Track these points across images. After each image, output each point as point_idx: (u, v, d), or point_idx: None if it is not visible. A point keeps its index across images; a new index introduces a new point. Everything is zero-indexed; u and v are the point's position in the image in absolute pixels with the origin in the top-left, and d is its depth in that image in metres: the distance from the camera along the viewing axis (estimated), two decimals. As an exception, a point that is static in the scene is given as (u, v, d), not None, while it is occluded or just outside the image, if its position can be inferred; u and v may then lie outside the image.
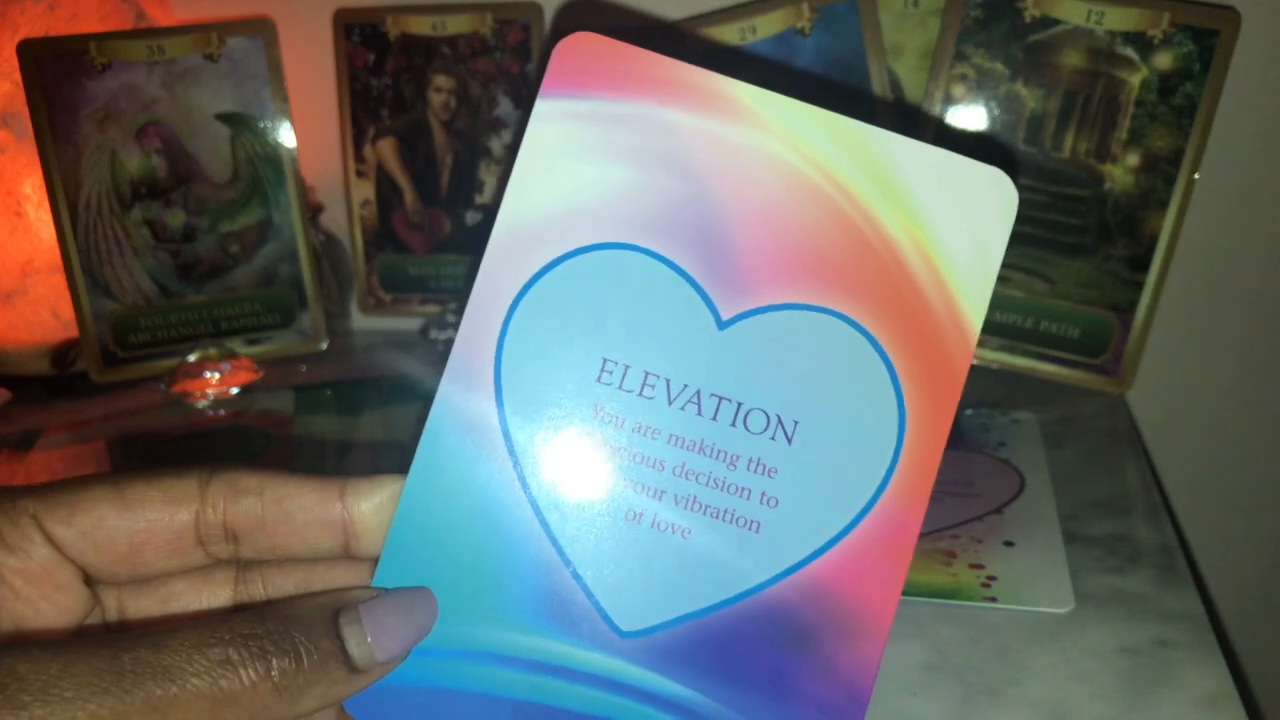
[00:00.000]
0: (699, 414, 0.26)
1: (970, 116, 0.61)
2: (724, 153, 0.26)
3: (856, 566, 0.26)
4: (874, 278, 0.26)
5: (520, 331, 0.26)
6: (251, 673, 0.22)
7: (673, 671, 0.25)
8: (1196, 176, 0.58)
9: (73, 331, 0.69)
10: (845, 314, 0.26)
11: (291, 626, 0.23)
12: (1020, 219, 0.57)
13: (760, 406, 0.26)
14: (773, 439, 0.26)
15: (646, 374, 0.26)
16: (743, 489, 0.26)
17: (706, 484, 0.26)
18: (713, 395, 0.26)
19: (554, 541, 0.26)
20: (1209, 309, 0.70)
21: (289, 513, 0.25)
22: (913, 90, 0.64)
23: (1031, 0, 0.59)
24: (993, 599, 0.41)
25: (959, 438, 0.55)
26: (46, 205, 0.67)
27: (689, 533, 0.26)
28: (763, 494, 0.26)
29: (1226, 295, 0.70)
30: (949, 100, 0.61)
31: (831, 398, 0.26)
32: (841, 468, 0.26)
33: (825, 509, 0.26)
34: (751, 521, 0.26)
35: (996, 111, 0.61)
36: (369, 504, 0.25)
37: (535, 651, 0.25)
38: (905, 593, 0.41)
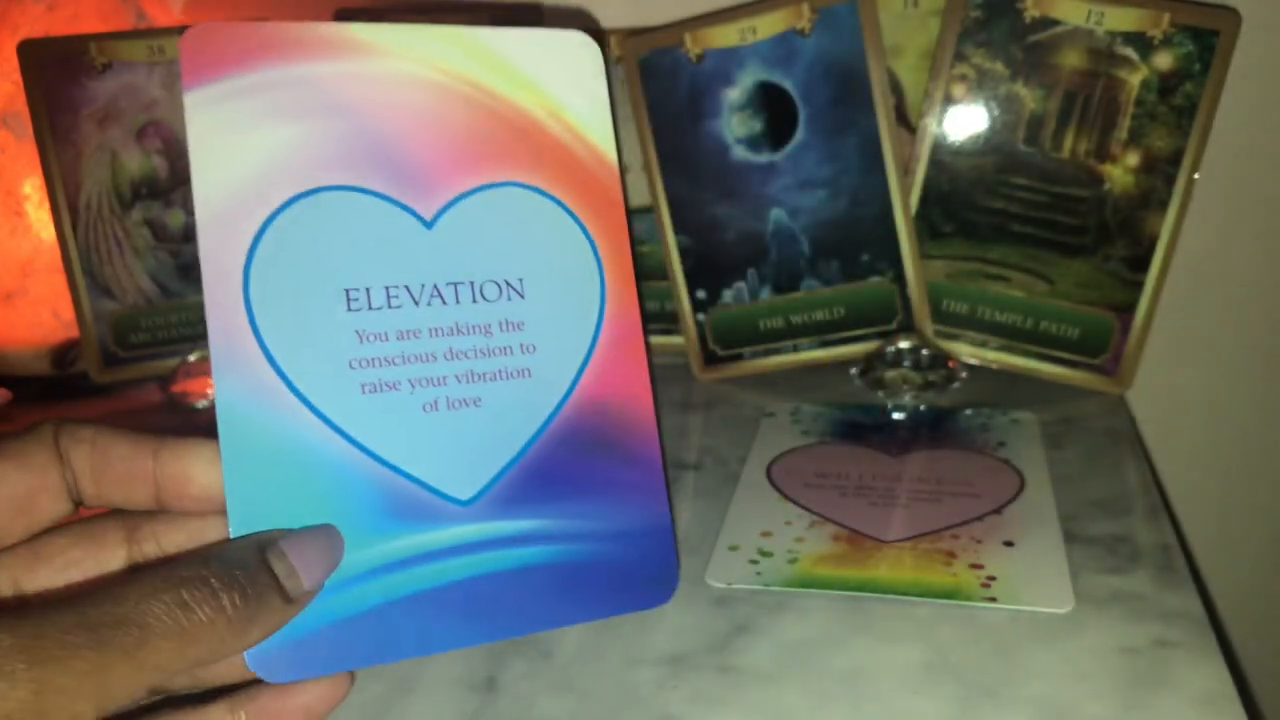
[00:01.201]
0: (444, 303, 0.30)
1: (970, 116, 0.61)
2: (366, 85, 0.30)
3: (610, 370, 0.31)
4: (527, 147, 0.31)
5: (260, 298, 0.28)
6: (208, 609, 0.23)
7: (517, 512, 0.29)
8: (1196, 177, 0.58)
9: (73, 331, 0.69)
10: (518, 180, 0.31)
11: (230, 565, 0.24)
12: (1020, 219, 0.59)
13: (488, 278, 0.30)
14: (509, 300, 0.30)
15: (386, 289, 0.29)
16: (505, 349, 0.30)
17: (475, 356, 0.30)
18: (448, 284, 0.30)
19: (371, 454, 0.28)
20: (1209, 309, 0.70)
21: (110, 462, 0.27)
22: (913, 90, 0.64)
23: (1031, 0, 0.59)
24: (992, 599, 0.41)
25: (958, 436, 0.55)
26: (47, 205, 0.67)
27: (479, 401, 0.30)
28: (521, 345, 0.30)
29: (1226, 295, 0.70)
30: (949, 100, 0.61)
31: (535, 248, 0.31)
32: (567, 300, 0.31)
33: (570, 337, 0.31)
34: (523, 370, 0.30)
35: (996, 112, 0.61)
36: (179, 463, 0.27)
37: (399, 552, 0.28)
38: (905, 593, 0.41)
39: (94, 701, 0.22)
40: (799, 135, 0.62)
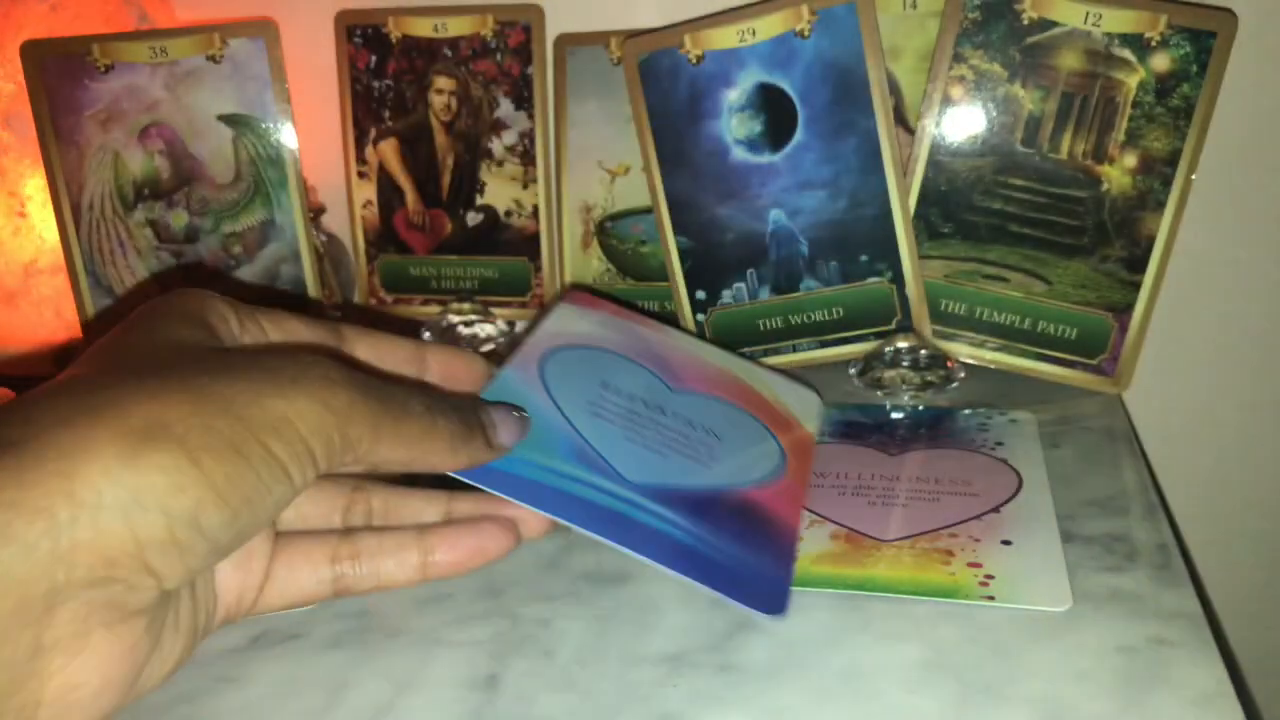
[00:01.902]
0: (663, 414, 0.45)
1: (968, 118, 0.61)
2: (663, 337, 0.51)
3: (773, 497, 0.44)
4: (753, 402, 0.51)
5: (554, 366, 0.44)
6: (443, 420, 0.32)
7: (667, 506, 0.40)
8: (1194, 178, 0.59)
9: (75, 331, 0.70)
10: (741, 407, 0.49)
11: (459, 402, 0.34)
12: (1018, 219, 0.60)
13: (699, 422, 0.46)
14: (707, 435, 0.45)
15: (630, 393, 0.45)
16: (695, 445, 0.44)
17: (672, 436, 0.44)
18: (671, 410, 0.45)
19: (578, 431, 0.41)
20: (1205, 309, 0.70)
21: (381, 356, 0.37)
22: (911, 92, 0.64)
23: (1029, 2, 0.59)
24: (990, 598, 0.41)
25: (957, 436, 0.55)
26: (49, 206, 0.68)
27: (664, 455, 0.43)
28: (709, 450, 0.44)
29: (1223, 295, 0.70)
30: (947, 102, 0.61)
31: (738, 434, 0.47)
32: (750, 462, 0.46)
33: (744, 472, 0.45)
34: (702, 461, 0.43)
35: (994, 113, 0.61)
36: (443, 354, 0.38)
37: (572, 472, 0.38)
38: (903, 592, 0.42)
39: (356, 451, 0.29)
40: (798, 136, 0.63)
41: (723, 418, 0.47)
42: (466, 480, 0.35)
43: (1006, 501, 0.48)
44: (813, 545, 0.45)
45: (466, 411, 0.34)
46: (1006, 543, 0.45)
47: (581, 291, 0.52)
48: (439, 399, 0.33)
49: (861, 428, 0.57)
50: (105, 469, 0.24)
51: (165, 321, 0.31)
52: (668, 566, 0.37)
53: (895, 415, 0.59)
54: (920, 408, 0.59)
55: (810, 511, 0.48)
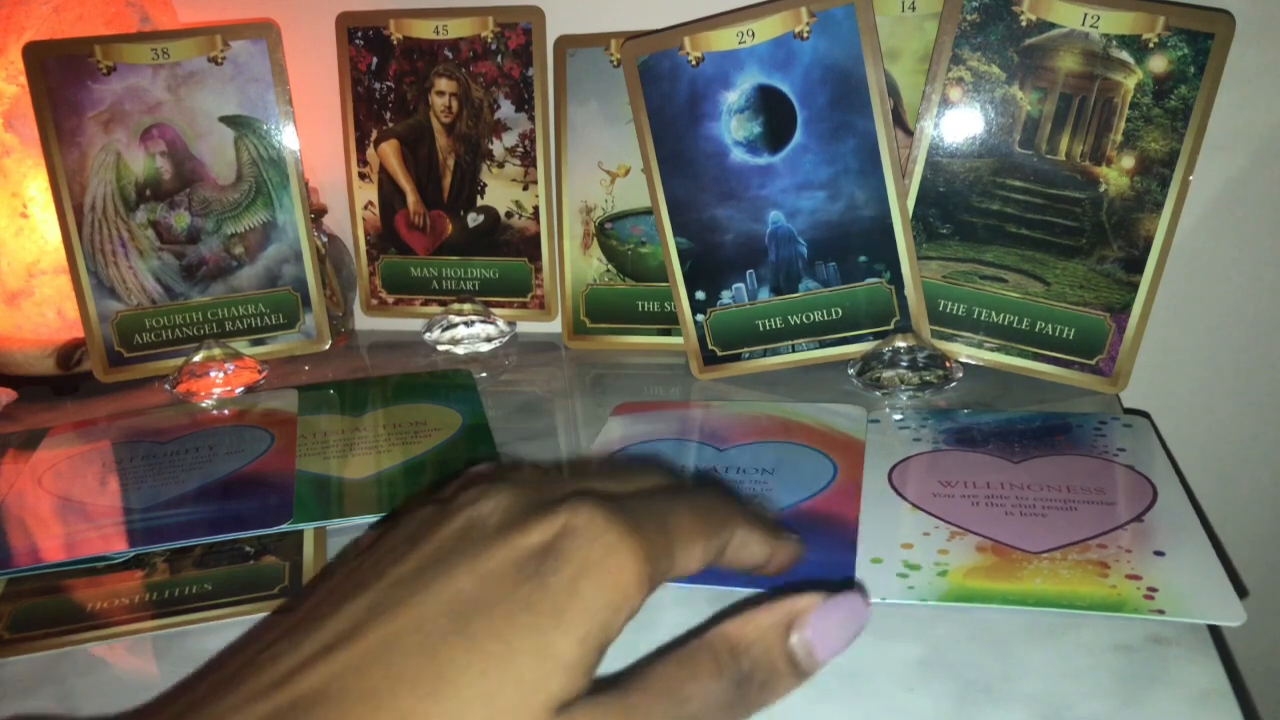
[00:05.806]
0: (718, 473, 0.52)
1: (966, 119, 0.62)
2: (708, 411, 0.61)
3: (829, 500, 0.49)
4: (804, 434, 0.56)
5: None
6: (739, 709, 0.27)
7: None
8: (1191, 179, 0.59)
9: (78, 332, 0.70)
10: (787, 441, 0.55)
11: (754, 654, 0.27)
12: (1016, 220, 0.60)
13: (751, 468, 0.52)
14: (761, 474, 0.52)
15: (686, 467, 0.53)
16: (752, 485, 0.51)
17: (727, 474, 0.52)
18: (723, 467, 0.53)
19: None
20: (1202, 310, 0.71)
21: None
22: (910, 93, 0.64)
23: (1027, 4, 0.60)
24: (1160, 611, 0.39)
25: (1076, 441, 0.54)
26: (52, 207, 0.68)
27: (739, 484, 0.51)
28: (764, 486, 0.51)
29: (1220, 296, 0.70)
30: (945, 103, 0.62)
31: (791, 461, 0.53)
32: (801, 481, 0.51)
33: (796, 491, 0.50)
34: (762, 495, 0.50)
35: (992, 114, 0.61)
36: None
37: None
38: (1066, 606, 0.40)
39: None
40: (797, 138, 0.63)
41: (773, 456, 0.53)
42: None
43: (1147, 510, 0.46)
44: (960, 558, 0.43)
45: (763, 658, 0.28)
46: (1159, 553, 0.43)
47: (626, 404, 0.62)
48: (733, 664, 0.27)
49: (976, 433, 0.55)
50: None
51: None
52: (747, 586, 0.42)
53: (1009, 420, 0.57)
54: (1033, 413, 0.58)
55: (949, 523, 0.47)
